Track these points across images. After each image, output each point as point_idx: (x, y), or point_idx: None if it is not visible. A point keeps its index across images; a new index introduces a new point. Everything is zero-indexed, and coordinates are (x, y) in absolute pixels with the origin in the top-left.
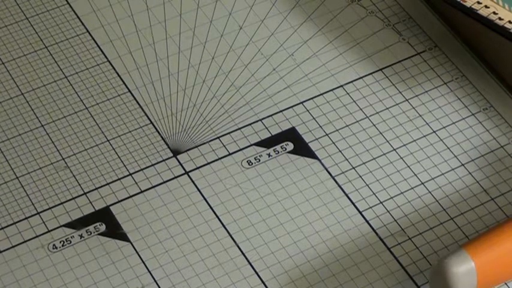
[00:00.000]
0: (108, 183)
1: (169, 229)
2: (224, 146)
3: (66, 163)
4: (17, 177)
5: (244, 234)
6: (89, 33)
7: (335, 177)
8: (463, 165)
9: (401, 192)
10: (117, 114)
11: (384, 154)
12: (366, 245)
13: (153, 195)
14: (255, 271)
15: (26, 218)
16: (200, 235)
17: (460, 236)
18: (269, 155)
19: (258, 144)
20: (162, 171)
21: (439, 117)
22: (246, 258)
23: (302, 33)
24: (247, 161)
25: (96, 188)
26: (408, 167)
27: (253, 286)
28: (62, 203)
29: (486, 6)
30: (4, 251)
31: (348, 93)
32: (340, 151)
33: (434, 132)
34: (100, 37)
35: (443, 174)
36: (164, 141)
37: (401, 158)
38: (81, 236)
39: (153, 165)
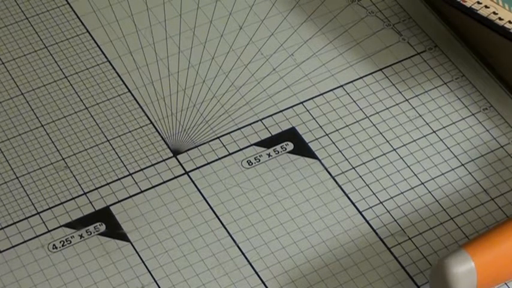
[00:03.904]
0: (108, 183)
1: (169, 229)
2: (224, 146)
3: (66, 163)
4: (17, 177)
5: (244, 234)
6: (89, 33)
7: (335, 177)
8: (463, 165)
9: (401, 192)
10: (117, 114)
11: (384, 154)
12: (366, 245)
13: (153, 195)
14: (255, 271)
15: (26, 218)
16: (200, 235)
17: (460, 236)
18: (269, 155)
19: (258, 144)
20: (162, 171)
21: (439, 117)
22: (246, 258)
23: (302, 33)
24: (247, 161)
25: (96, 188)
26: (408, 167)
27: (253, 286)
28: (62, 203)
29: (486, 6)
30: (4, 251)
31: (348, 93)
32: (340, 151)
33: (434, 132)
34: (100, 37)
35: (443, 174)
36: (164, 141)
37: (401, 158)
38: (81, 236)
39: (153, 165)
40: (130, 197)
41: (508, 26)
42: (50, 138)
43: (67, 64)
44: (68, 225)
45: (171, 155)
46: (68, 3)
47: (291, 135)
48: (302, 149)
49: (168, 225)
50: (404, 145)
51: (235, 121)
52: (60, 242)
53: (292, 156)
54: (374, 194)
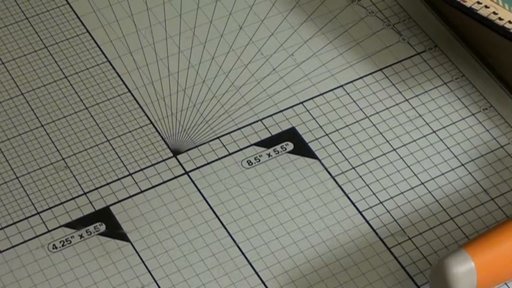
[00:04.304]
0: (108, 183)
1: (169, 229)
2: (224, 146)
3: (66, 163)
4: (17, 177)
5: (244, 234)
6: (89, 33)
7: (335, 177)
8: (463, 165)
9: (401, 192)
10: (117, 114)
11: (384, 154)
12: (366, 245)
13: (153, 195)
14: (255, 271)
15: (26, 218)
16: (200, 235)
17: (460, 236)
18: (269, 155)
19: (258, 144)
20: (162, 171)
21: (439, 117)
22: (246, 258)
23: (302, 33)
24: (247, 161)
25: (96, 188)
26: (408, 167)
27: (253, 286)
28: (62, 203)
29: (486, 6)
30: (4, 251)
31: (348, 93)
32: (340, 151)
33: (434, 132)
34: (100, 37)
35: (443, 174)
36: (164, 141)
37: (401, 158)
38: (81, 236)
39: (153, 165)
40: (130, 197)
41: (508, 26)
42: (50, 138)
43: (67, 64)
44: (68, 225)
45: (171, 155)
46: (68, 3)
47: (291, 135)
48: (302, 149)
49: (168, 225)
50: (404, 145)
51: (235, 121)
52: (60, 242)
53: (292, 156)
54: (374, 194)
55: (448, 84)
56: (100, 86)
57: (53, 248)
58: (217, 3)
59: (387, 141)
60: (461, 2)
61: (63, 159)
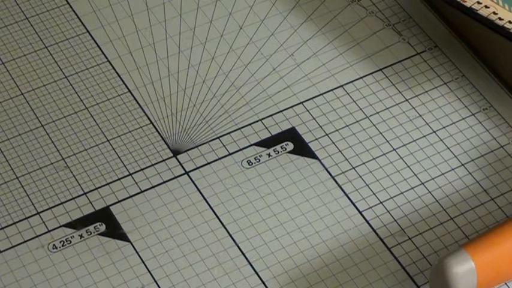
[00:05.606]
0: (108, 183)
1: (169, 229)
2: (224, 146)
3: (66, 163)
4: (17, 177)
5: (244, 234)
6: (89, 33)
7: (335, 177)
8: (463, 165)
9: (401, 192)
10: (117, 114)
11: (384, 154)
12: (366, 245)
13: (153, 195)
14: (255, 271)
15: (26, 218)
16: (200, 235)
17: (460, 236)
18: (269, 155)
19: (258, 144)
20: (162, 171)
21: (439, 117)
22: (246, 258)
23: (302, 33)
24: (247, 161)
25: (96, 188)
26: (408, 167)
27: (253, 286)
28: (62, 203)
29: (486, 6)
30: (4, 251)
31: (348, 93)
32: (340, 151)
33: (434, 132)
34: (100, 37)
35: (443, 174)
36: (164, 141)
37: (401, 158)
38: (81, 236)
39: (153, 165)
40: (131, 197)
41: (508, 26)
42: (50, 138)
43: (67, 64)
44: (68, 225)
45: (171, 155)
46: (68, 3)
47: (291, 135)
48: (302, 149)
49: (168, 225)
50: (404, 145)
51: (235, 121)
52: (60, 242)
53: (292, 156)
54: (374, 194)
55: (448, 84)
56: (100, 86)
57: (53, 248)
58: (217, 3)
59: (387, 141)
60: (461, 2)
61: (63, 159)
